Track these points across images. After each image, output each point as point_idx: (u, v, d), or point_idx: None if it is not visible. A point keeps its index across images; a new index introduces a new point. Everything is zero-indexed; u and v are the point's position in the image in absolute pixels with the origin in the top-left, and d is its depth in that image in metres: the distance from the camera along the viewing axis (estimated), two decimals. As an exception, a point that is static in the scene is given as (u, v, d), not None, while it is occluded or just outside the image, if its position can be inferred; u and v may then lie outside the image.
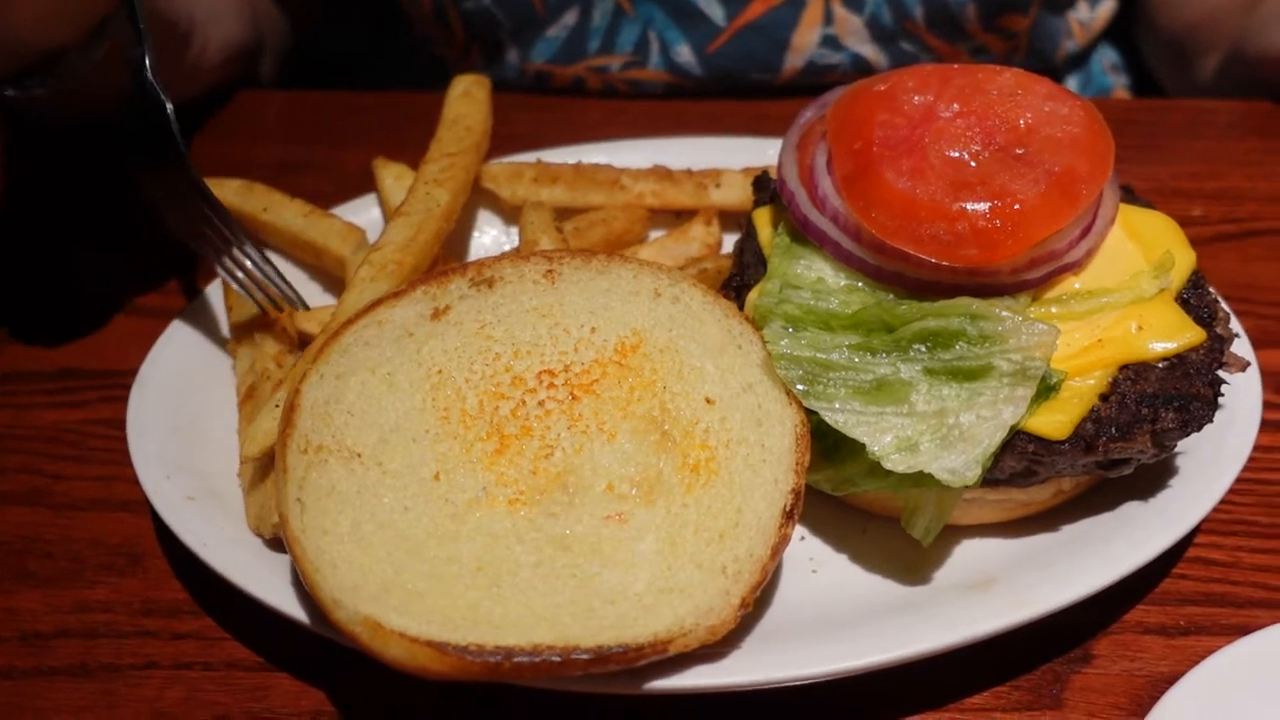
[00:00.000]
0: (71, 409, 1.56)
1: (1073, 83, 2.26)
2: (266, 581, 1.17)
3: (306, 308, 1.48)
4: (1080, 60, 2.26)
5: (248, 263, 1.45)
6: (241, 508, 1.29)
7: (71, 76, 1.46)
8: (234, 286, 1.46)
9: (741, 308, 1.33)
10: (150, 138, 1.41)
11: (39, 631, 1.28)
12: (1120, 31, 2.31)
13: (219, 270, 1.46)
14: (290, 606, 1.15)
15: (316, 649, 1.18)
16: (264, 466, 1.27)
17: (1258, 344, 1.42)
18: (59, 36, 1.42)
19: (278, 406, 1.25)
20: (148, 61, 1.41)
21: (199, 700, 1.20)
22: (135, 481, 1.31)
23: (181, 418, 1.40)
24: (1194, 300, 1.23)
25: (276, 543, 1.23)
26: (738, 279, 1.36)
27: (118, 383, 1.56)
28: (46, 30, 1.40)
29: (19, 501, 1.43)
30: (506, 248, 1.66)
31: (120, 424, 1.41)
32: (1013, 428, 1.10)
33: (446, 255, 1.53)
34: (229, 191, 1.57)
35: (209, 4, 2.01)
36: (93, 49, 1.49)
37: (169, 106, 1.42)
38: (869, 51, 2.01)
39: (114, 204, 1.88)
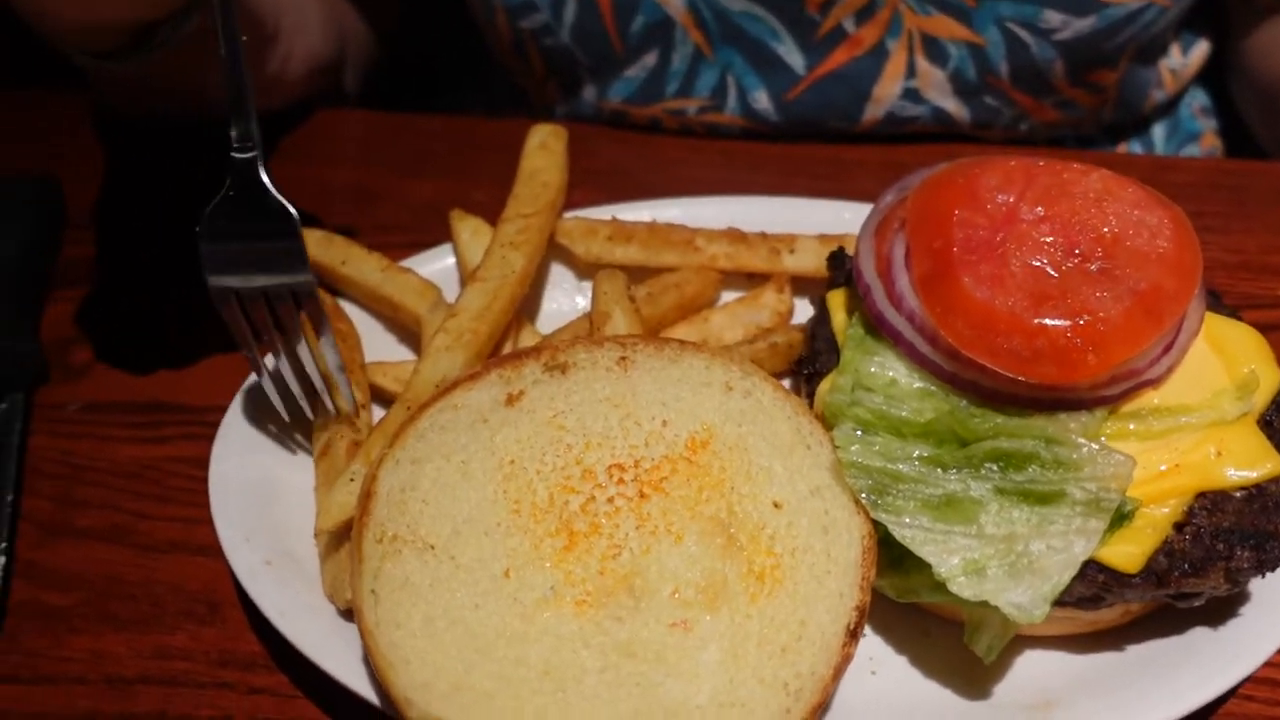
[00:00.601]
0: (153, 445, 1.60)
1: (1160, 130, 2.21)
2: (340, 658, 1.21)
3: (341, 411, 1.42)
4: (1169, 107, 2.20)
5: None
6: (317, 572, 1.33)
7: (163, 48, 1.48)
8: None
9: (811, 397, 1.33)
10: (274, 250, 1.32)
11: (123, 676, 1.33)
12: (1210, 74, 2.24)
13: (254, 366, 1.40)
14: (362, 686, 1.19)
15: (386, 715, 1.21)
16: (339, 536, 1.30)
17: (1340, 446, 1.38)
18: (147, 12, 1.46)
19: (353, 480, 1.28)
20: (261, 168, 1.33)
21: (272, 759, 1.25)
22: (213, 525, 1.36)
23: (261, 472, 1.43)
24: (1277, 423, 1.21)
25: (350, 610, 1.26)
26: (809, 366, 1.36)
27: (199, 419, 1.60)
28: (134, 6, 1.44)
29: (102, 538, 1.48)
30: (579, 301, 1.68)
31: (200, 463, 1.46)
32: (1083, 562, 1.10)
33: (519, 314, 1.55)
34: (310, 243, 1.59)
35: (296, 15, 2.00)
36: (184, 22, 1.54)
37: (294, 214, 1.32)
38: (951, 105, 1.97)
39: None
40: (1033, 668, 1.22)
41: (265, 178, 1.33)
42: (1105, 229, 1.21)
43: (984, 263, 1.21)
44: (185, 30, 1.55)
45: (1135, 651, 1.21)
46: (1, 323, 1.69)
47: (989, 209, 1.25)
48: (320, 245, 1.59)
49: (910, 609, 1.28)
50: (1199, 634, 1.20)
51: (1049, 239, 1.21)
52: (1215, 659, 1.16)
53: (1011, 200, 1.25)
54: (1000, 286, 1.19)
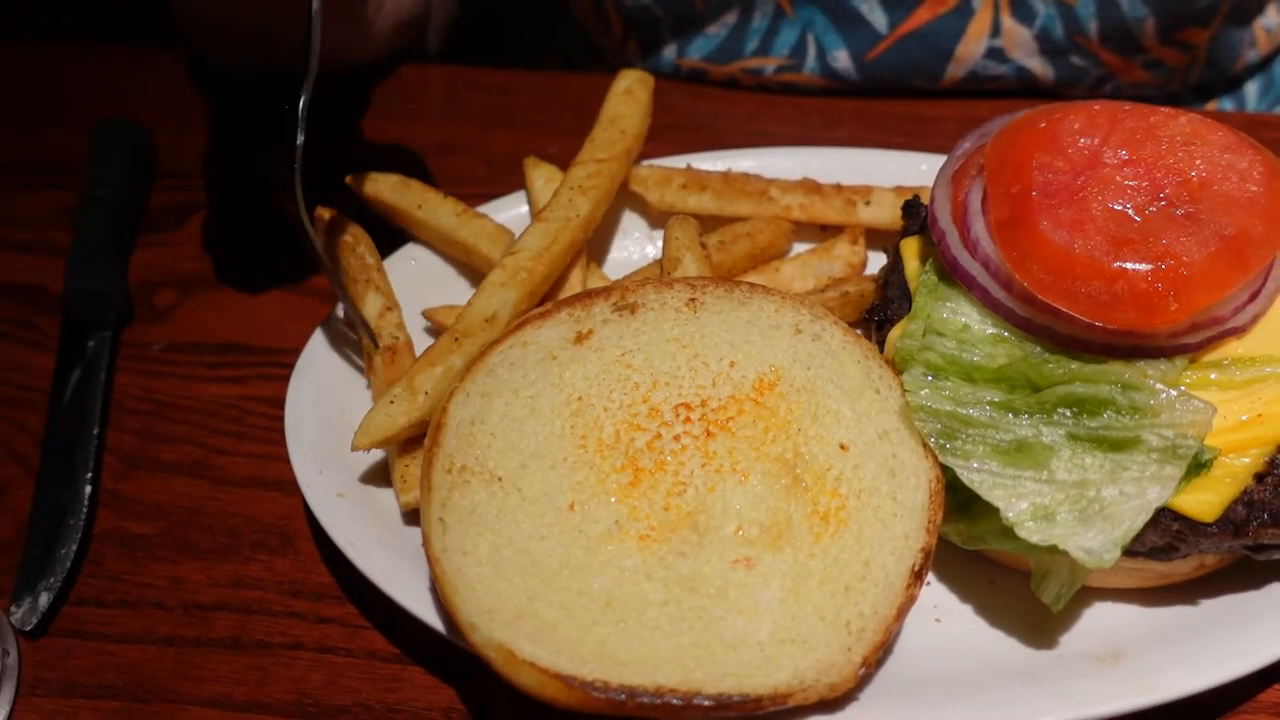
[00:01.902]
0: (231, 384, 1.64)
1: (1253, 88, 2.13)
2: (407, 587, 1.23)
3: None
4: (1262, 67, 2.12)
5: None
6: (387, 505, 1.35)
7: None
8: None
9: (882, 344, 1.32)
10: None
11: (200, 603, 1.37)
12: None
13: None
14: (429, 615, 1.21)
15: (450, 647, 1.23)
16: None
17: None
18: None
19: (393, 402, 1.30)
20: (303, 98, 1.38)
21: (340, 686, 1.28)
22: (288, 462, 1.39)
23: (334, 409, 1.46)
24: (1366, 376, 1.17)
25: (415, 536, 1.28)
26: (880, 313, 1.35)
27: (275, 361, 1.64)
28: None
29: (185, 472, 1.53)
30: (649, 251, 1.68)
31: (276, 402, 1.49)
32: (1157, 509, 1.08)
33: (589, 260, 1.55)
34: (385, 187, 1.61)
35: None
36: None
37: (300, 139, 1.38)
38: (1035, 65, 1.93)
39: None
40: (1101, 619, 1.20)
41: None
42: (1192, 173, 1.18)
43: (1063, 207, 1.18)
44: None
45: (1208, 605, 1.19)
46: (93, 265, 1.74)
47: (1070, 153, 1.22)
48: (396, 189, 1.61)
49: (976, 559, 1.27)
50: (1276, 589, 1.17)
51: (1132, 183, 1.18)
52: (1293, 614, 1.13)
53: (1095, 144, 1.22)
54: (1079, 230, 1.16)
